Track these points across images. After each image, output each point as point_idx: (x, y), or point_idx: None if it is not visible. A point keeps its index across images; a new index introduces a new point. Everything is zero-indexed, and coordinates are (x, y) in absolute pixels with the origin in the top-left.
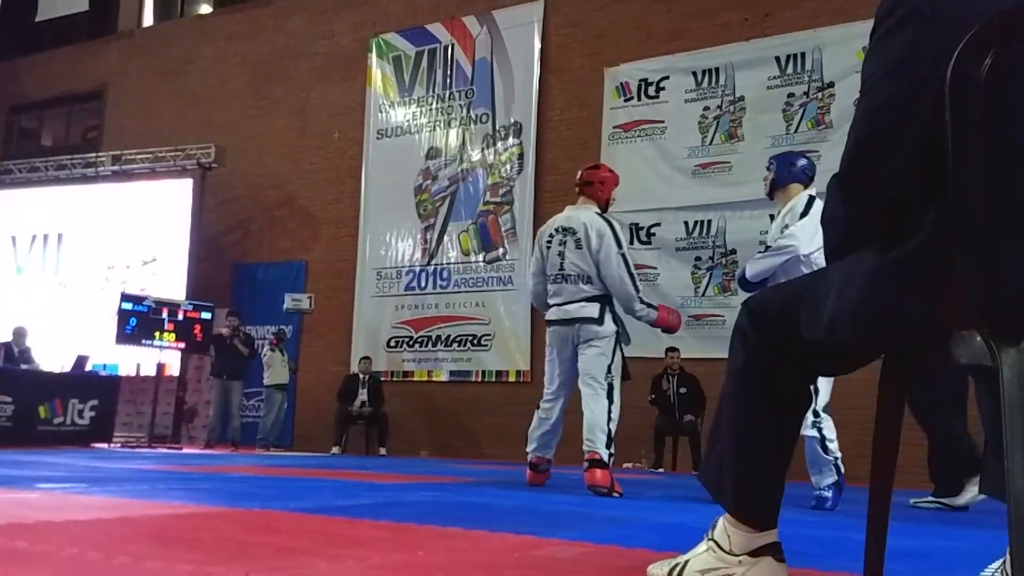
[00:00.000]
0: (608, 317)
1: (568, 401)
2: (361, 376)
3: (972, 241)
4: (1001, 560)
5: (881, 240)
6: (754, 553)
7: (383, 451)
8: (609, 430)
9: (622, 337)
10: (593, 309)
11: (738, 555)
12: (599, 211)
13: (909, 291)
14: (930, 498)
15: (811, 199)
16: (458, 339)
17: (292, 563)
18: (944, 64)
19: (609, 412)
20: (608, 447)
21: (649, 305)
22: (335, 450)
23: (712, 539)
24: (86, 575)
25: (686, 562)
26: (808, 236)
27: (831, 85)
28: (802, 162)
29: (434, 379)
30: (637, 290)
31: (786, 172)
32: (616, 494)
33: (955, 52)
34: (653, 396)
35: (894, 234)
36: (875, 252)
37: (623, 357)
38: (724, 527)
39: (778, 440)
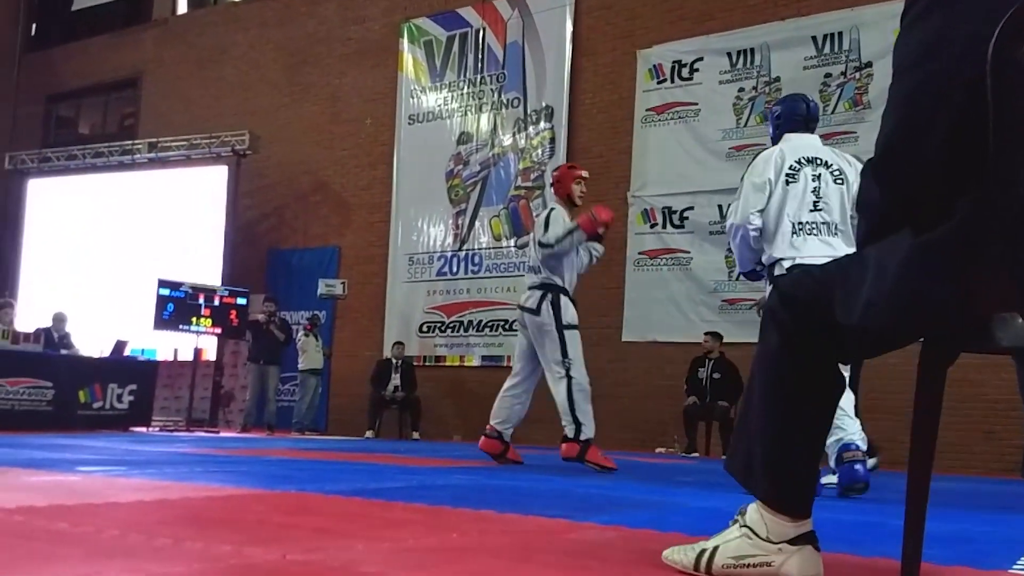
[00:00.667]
0: (545, 306)
1: (534, 385)
2: (394, 361)
3: (1012, 223)
4: None
5: (917, 224)
6: (793, 541)
7: (416, 435)
8: (572, 408)
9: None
10: (533, 299)
11: (776, 543)
12: (559, 205)
13: (944, 275)
14: None
15: (755, 157)
16: (490, 324)
17: (329, 544)
18: (976, 46)
19: (569, 392)
20: (575, 423)
21: (568, 233)
22: (369, 434)
23: (746, 525)
24: (127, 556)
25: (716, 548)
26: (742, 203)
27: (869, 65)
28: (775, 110)
29: (466, 364)
30: (548, 239)
31: (772, 133)
32: (592, 465)
33: (991, 34)
34: (688, 381)
35: (930, 218)
36: (911, 236)
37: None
38: (760, 514)
39: (811, 425)
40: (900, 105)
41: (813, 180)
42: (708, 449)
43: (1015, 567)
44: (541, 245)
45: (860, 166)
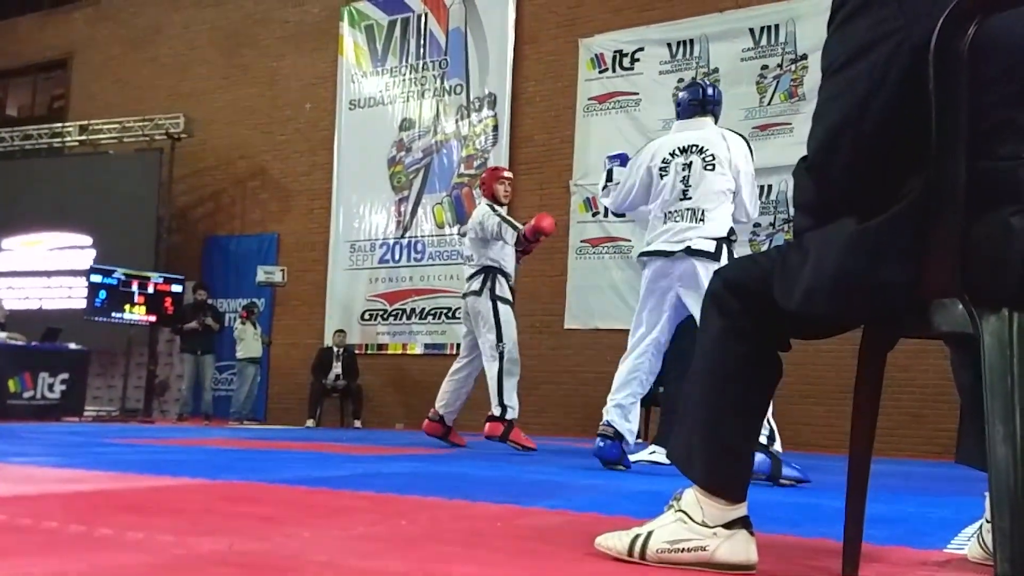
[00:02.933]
0: (486, 289)
1: (477, 370)
2: (335, 349)
3: (953, 210)
4: (977, 525)
5: (860, 210)
6: (728, 526)
7: (358, 424)
8: (501, 390)
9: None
10: (476, 283)
11: (712, 527)
12: (488, 203)
13: (888, 260)
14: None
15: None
16: (433, 312)
17: (275, 533)
18: (911, 38)
19: (500, 374)
20: (501, 405)
21: (512, 225)
22: (310, 423)
23: (681, 510)
24: (69, 548)
25: (650, 533)
26: (616, 193)
27: (804, 57)
28: (677, 97)
29: (408, 352)
30: (504, 230)
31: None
32: (513, 444)
33: (925, 29)
34: None
35: (873, 204)
36: (854, 223)
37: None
38: (695, 498)
39: (750, 410)
40: (834, 102)
41: (683, 169)
42: (647, 434)
43: (949, 546)
44: (510, 225)
45: (742, 145)
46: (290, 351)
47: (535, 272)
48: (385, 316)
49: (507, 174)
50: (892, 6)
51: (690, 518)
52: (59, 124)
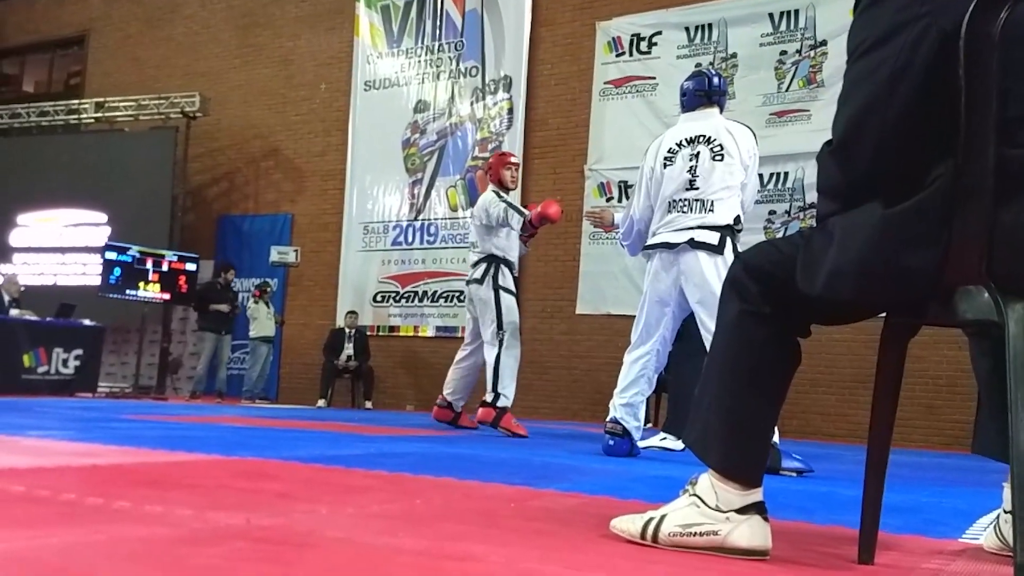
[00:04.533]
0: (488, 277)
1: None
2: (347, 330)
3: (981, 198)
4: (995, 515)
5: (886, 195)
6: (741, 511)
7: (369, 405)
8: (496, 377)
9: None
10: (478, 271)
11: (725, 512)
12: (495, 189)
13: (914, 245)
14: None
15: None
16: (444, 295)
17: (292, 508)
18: (938, 23)
19: (497, 362)
20: (495, 391)
21: (519, 211)
22: (321, 403)
23: (695, 494)
24: (87, 519)
25: (663, 516)
26: (637, 199)
27: (823, 43)
28: (682, 87)
29: (420, 334)
30: (510, 216)
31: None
32: (504, 431)
33: (962, 10)
34: None
35: (899, 189)
36: (881, 207)
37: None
38: (710, 483)
39: (767, 395)
40: (860, 85)
41: (690, 160)
42: (657, 420)
43: (965, 536)
44: (515, 211)
45: (749, 137)
46: (303, 331)
47: (547, 257)
48: (397, 298)
49: (514, 159)
50: None
51: (704, 503)
52: (75, 101)
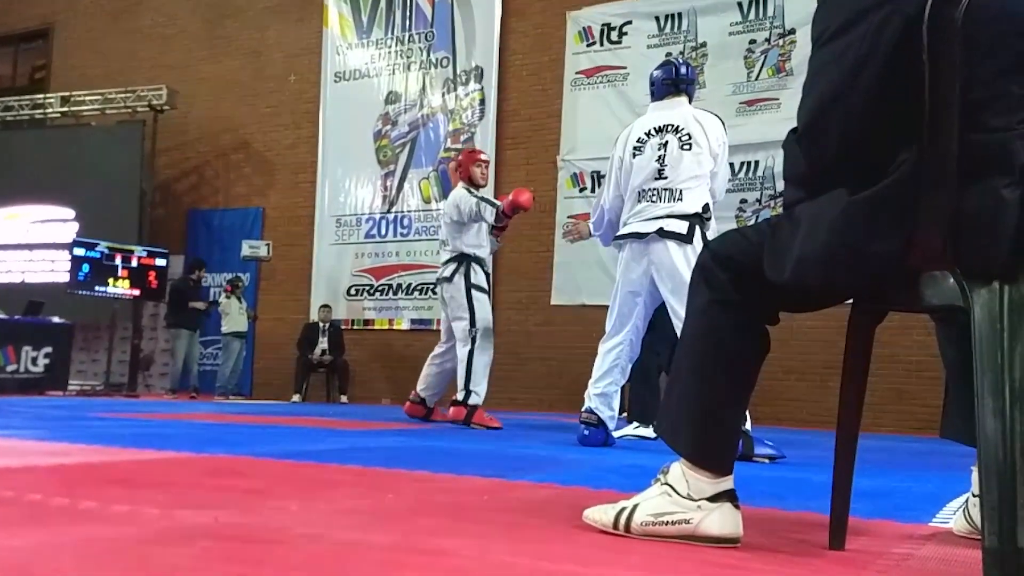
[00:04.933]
0: (458, 275)
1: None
2: (321, 324)
3: (945, 182)
4: (963, 499)
5: (851, 181)
6: (713, 499)
7: (344, 399)
8: (468, 375)
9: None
10: (448, 270)
11: (696, 500)
12: (465, 186)
13: (881, 231)
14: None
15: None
16: (419, 287)
17: (262, 506)
18: (902, 8)
19: (470, 360)
20: (466, 389)
21: (490, 203)
22: (296, 398)
23: (667, 483)
24: (52, 520)
25: (635, 506)
26: (607, 189)
27: (792, 32)
28: (651, 75)
29: (395, 327)
30: (483, 209)
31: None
32: (478, 426)
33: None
34: None
35: (865, 175)
36: (847, 194)
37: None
38: (681, 472)
39: (738, 382)
40: (824, 72)
41: (659, 149)
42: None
43: (934, 520)
44: (487, 202)
45: (717, 126)
46: (276, 326)
47: (521, 248)
48: (371, 291)
49: (484, 156)
50: None
51: (675, 491)
52: (40, 95)
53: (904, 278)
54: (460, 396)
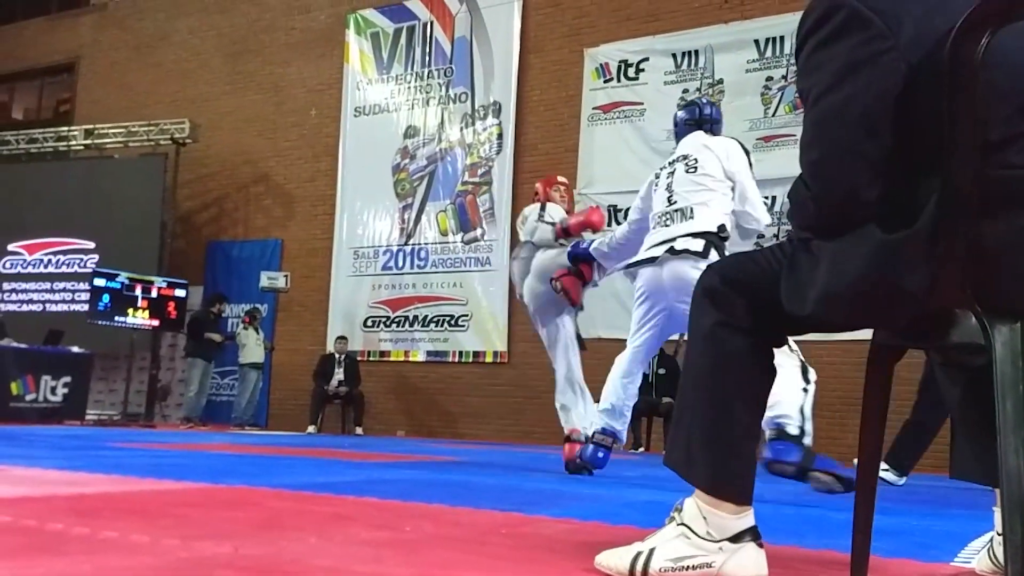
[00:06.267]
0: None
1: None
2: (337, 355)
3: (966, 219)
4: (987, 538)
5: (877, 223)
6: (734, 539)
7: (359, 430)
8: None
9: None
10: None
11: (717, 540)
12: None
13: (912, 269)
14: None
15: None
16: (435, 319)
17: (280, 537)
18: (906, 56)
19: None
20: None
21: (548, 223)
22: (311, 429)
23: (683, 523)
24: (73, 549)
25: (651, 550)
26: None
27: None
28: (675, 117)
29: (411, 359)
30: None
31: None
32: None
33: (929, 40)
34: None
35: (890, 217)
36: (879, 229)
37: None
38: (697, 509)
39: (751, 405)
40: (828, 127)
41: (668, 177)
42: (649, 444)
43: (956, 560)
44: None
45: (726, 143)
46: (292, 357)
47: None
48: (387, 323)
49: (561, 179)
50: (877, 25)
51: (694, 532)
52: (64, 128)
53: (927, 315)
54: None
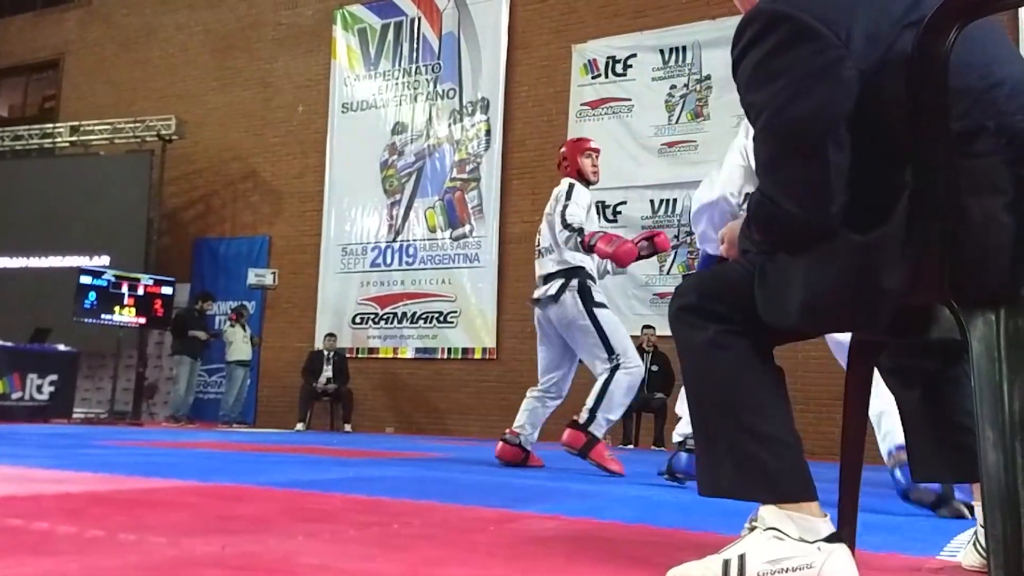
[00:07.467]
0: (569, 294)
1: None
2: (326, 352)
3: (938, 212)
4: (972, 531)
5: (851, 227)
6: (829, 539)
7: (348, 428)
8: (599, 400)
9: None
10: (552, 287)
11: (812, 542)
12: (572, 183)
13: (893, 269)
14: None
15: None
16: (424, 316)
17: (267, 535)
18: (859, 63)
19: (606, 386)
20: (591, 414)
21: (576, 230)
22: (299, 427)
23: (771, 527)
24: (60, 548)
25: (741, 556)
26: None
27: None
28: None
29: (399, 356)
30: (575, 233)
31: None
32: (593, 463)
33: (884, 45)
34: None
35: (864, 220)
36: (852, 233)
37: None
38: (781, 513)
39: (776, 398)
40: (792, 142)
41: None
42: (638, 440)
43: (943, 553)
44: (566, 226)
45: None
46: (280, 354)
47: (528, 276)
48: (376, 320)
49: (594, 144)
50: (826, 35)
51: (786, 535)
52: (50, 125)
53: (909, 311)
54: (580, 418)
